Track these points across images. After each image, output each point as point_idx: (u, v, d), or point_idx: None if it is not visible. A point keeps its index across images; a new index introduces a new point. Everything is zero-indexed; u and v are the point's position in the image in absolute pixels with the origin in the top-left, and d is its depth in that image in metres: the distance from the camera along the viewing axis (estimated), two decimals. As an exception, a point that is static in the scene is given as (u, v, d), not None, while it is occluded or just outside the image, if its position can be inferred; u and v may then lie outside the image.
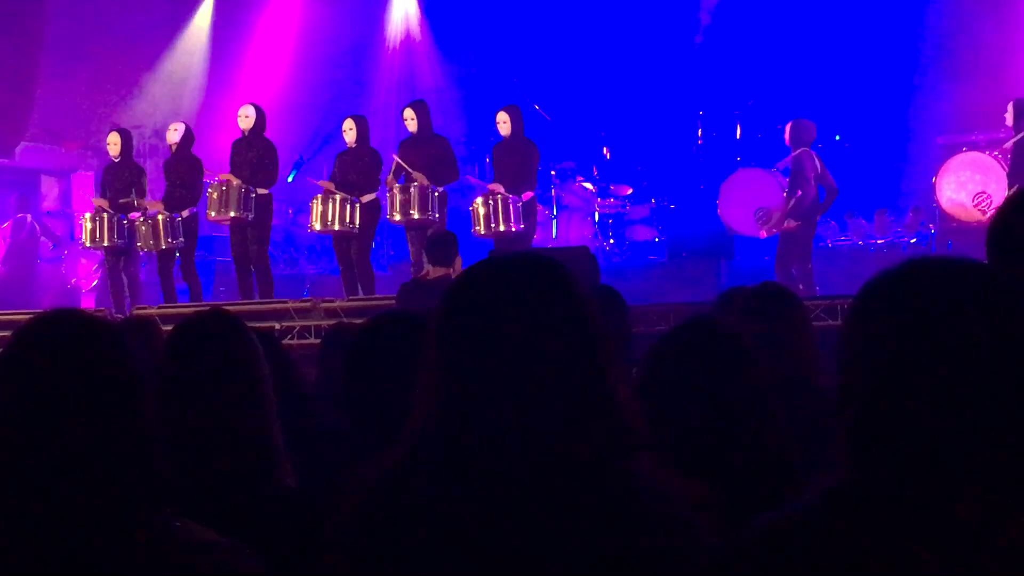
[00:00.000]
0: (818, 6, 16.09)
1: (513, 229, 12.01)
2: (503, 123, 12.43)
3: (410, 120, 12.48)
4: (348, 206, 12.42)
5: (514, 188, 12.23)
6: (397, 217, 12.32)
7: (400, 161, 12.32)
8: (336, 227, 12.47)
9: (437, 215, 12.27)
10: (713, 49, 16.67)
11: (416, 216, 12.19)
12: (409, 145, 12.59)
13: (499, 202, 12.06)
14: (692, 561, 2.00)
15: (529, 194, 12.37)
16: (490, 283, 2.15)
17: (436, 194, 12.26)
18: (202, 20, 20.36)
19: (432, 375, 2.13)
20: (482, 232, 12.12)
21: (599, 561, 1.97)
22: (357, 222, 12.45)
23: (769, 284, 4.76)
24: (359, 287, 12.71)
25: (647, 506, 2.01)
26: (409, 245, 12.68)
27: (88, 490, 2.11)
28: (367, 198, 12.49)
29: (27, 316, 2.34)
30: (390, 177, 12.40)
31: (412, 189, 12.17)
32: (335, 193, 12.43)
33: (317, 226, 12.63)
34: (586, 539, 1.98)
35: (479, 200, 12.23)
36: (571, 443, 2.03)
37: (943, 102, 14.86)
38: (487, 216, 12.03)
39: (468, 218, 12.35)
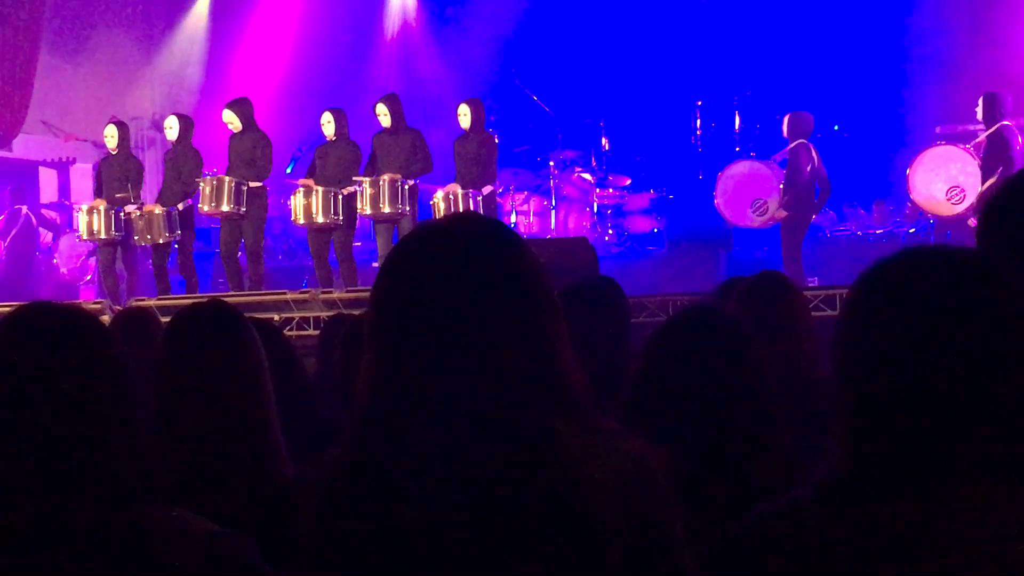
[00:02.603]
0: (816, -5, 16.09)
1: None
2: (463, 116, 12.49)
3: (383, 115, 12.52)
4: (331, 199, 12.45)
5: (473, 182, 12.26)
6: (367, 211, 12.34)
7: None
8: (320, 220, 12.47)
9: (407, 208, 12.29)
10: (711, 39, 16.65)
11: (386, 210, 12.21)
12: (382, 138, 12.61)
13: (459, 197, 12.09)
14: (636, 524, 1.98)
15: (489, 188, 12.40)
16: (421, 248, 2.09)
17: (406, 187, 12.27)
18: (200, 11, 20.34)
19: (370, 348, 2.09)
20: None
21: (542, 525, 1.94)
22: (341, 214, 12.48)
23: (767, 273, 4.74)
24: (341, 280, 12.72)
25: (596, 470, 1.97)
26: (377, 238, 12.70)
27: (77, 480, 2.10)
28: (348, 190, 12.50)
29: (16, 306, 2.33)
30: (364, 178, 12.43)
31: (382, 183, 12.19)
32: (317, 186, 12.46)
33: (301, 219, 12.65)
34: (528, 503, 1.94)
35: (439, 194, 12.29)
36: (509, 407, 1.98)
37: (942, 91, 14.84)
38: (447, 211, 12.04)
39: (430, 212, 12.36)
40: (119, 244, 13.31)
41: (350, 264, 12.80)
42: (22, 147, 18.69)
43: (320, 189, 12.42)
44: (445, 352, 2.01)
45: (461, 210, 11.91)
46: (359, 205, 12.36)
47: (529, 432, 1.98)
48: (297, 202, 12.60)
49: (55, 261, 17.28)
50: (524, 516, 1.94)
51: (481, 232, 2.09)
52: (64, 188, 18.88)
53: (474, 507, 1.95)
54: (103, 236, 13.19)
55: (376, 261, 12.99)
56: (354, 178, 12.42)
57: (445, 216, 2.19)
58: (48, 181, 19.00)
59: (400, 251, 2.12)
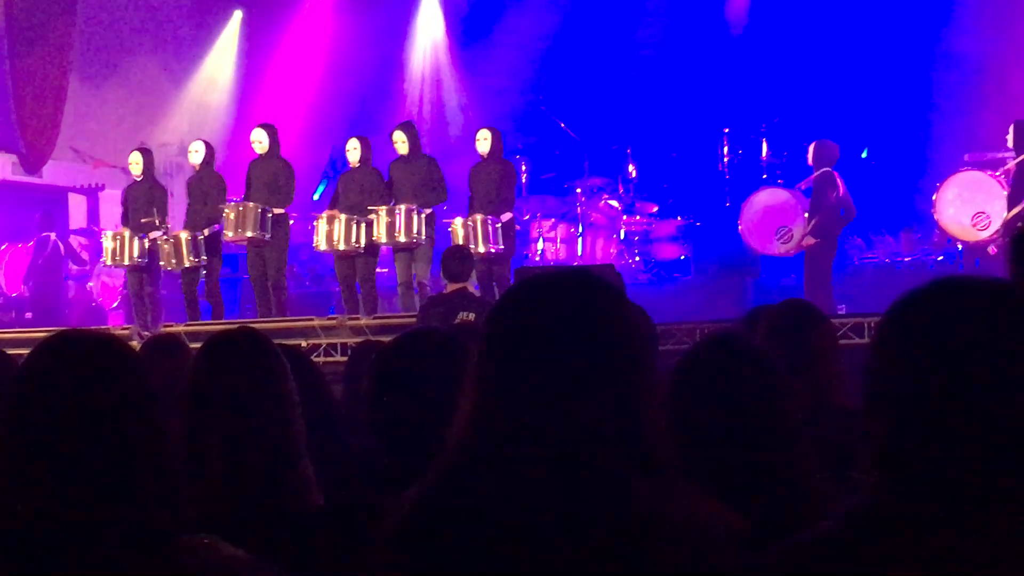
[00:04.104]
0: (845, 23, 16.06)
1: (492, 250, 12.03)
2: (483, 140, 12.47)
3: (400, 143, 12.53)
4: (354, 226, 12.46)
5: (492, 209, 12.25)
6: (383, 239, 12.34)
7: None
8: (342, 247, 12.49)
9: (423, 237, 12.29)
10: (739, 66, 16.65)
11: (401, 239, 12.21)
12: (398, 166, 12.63)
13: (478, 223, 12.08)
14: None
15: (508, 215, 12.39)
16: (538, 298, 2.14)
17: (422, 216, 12.27)
18: (229, 39, 20.47)
19: (473, 388, 2.13)
20: None
21: None
22: (363, 242, 12.49)
23: (794, 301, 4.73)
24: (361, 306, 12.74)
25: (674, 535, 1.99)
26: (396, 264, 12.70)
27: (107, 507, 2.11)
28: (371, 217, 12.52)
29: (48, 334, 2.35)
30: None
31: (398, 212, 12.19)
32: (340, 213, 12.47)
33: (323, 246, 12.65)
34: (611, 559, 1.96)
35: (458, 221, 12.26)
36: (595, 467, 2.01)
37: (970, 119, 14.80)
38: (466, 237, 12.04)
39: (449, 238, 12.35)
40: (146, 270, 13.37)
41: (371, 291, 12.80)
42: (52, 173, 18.82)
43: (343, 216, 12.43)
44: (540, 405, 2.04)
45: (480, 236, 11.90)
46: (376, 233, 12.37)
47: (613, 493, 2.01)
48: (320, 228, 12.62)
49: (89, 287, 17.37)
50: (606, 566, 1.96)
51: (590, 292, 2.14)
52: (93, 214, 18.99)
53: (550, 560, 1.97)
54: (126, 262, 13.26)
55: (397, 288, 12.99)
56: (368, 208, 12.41)
57: (558, 268, 2.23)
58: (77, 207, 19.12)
59: (512, 300, 2.18)
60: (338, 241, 12.46)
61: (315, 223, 12.77)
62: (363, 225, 12.46)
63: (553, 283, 2.16)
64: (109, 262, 13.61)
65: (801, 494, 2.89)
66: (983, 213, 12.30)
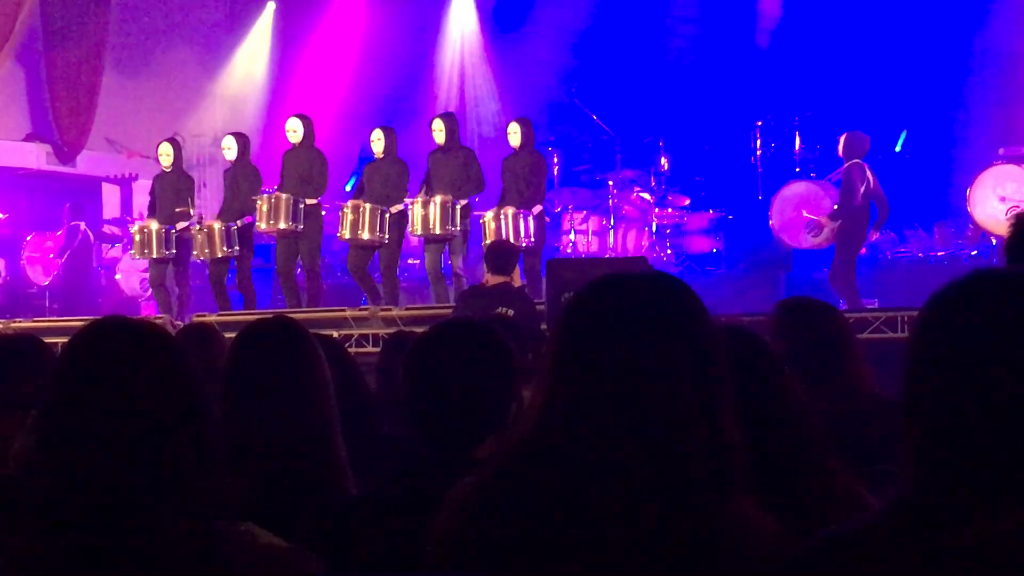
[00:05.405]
0: (879, 15, 15.97)
1: (524, 243, 12.02)
2: (513, 134, 12.46)
3: (438, 131, 12.52)
4: (378, 216, 12.47)
5: (523, 202, 12.23)
6: (418, 231, 12.36)
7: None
8: (365, 237, 12.49)
9: (459, 228, 12.29)
10: (772, 59, 16.60)
11: (437, 231, 12.21)
12: (435, 157, 12.64)
13: (510, 216, 12.07)
14: None
15: (539, 207, 12.39)
16: (623, 295, 2.13)
17: (458, 207, 12.26)
18: (263, 30, 20.52)
19: (546, 384, 2.13)
20: None
21: None
22: (388, 232, 12.50)
23: (792, 301, 4.76)
24: (382, 297, 12.74)
25: (740, 546, 1.99)
26: (427, 256, 12.71)
27: (148, 494, 2.13)
28: (395, 209, 12.52)
29: (83, 323, 2.36)
30: (421, 193, 12.47)
31: (433, 203, 12.19)
32: (365, 203, 12.50)
33: (347, 234, 12.65)
34: (673, 562, 1.97)
35: (489, 214, 12.25)
36: (675, 474, 2.01)
37: (1006, 112, 14.71)
38: (498, 231, 12.02)
39: (481, 231, 12.35)
40: (171, 261, 13.45)
41: (393, 282, 12.81)
42: (86, 163, 18.91)
43: (368, 206, 12.44)
44: (620, 404, 2.05)
45: (512, 229, 11.88)
46: (411, 225, 12.39)
47: (685, 499, 2.01)
48: (345, 217, 12.63)
49: (117, 277, 17.45)
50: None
51: (674, 291, 2.14)
52: (127, 204, 19.07)
53: (615, 557, 1.98)
54: (155, 255, 13.35)
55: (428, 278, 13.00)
56: (406, 200, 12.45)
57: (646, 272, 2.22)
58: (111, 197, 19.21)
59: (594, 296, 2.16)
60: (362, 231, 12.48)
61: (340, 212, 12.80)
62: (388, 216, 12.48)
63: (636, 281, 2.15)
64: (137, 255, 13.72)
65: (813, 486, 2.84)
66: (1017, 206, 12.24)
